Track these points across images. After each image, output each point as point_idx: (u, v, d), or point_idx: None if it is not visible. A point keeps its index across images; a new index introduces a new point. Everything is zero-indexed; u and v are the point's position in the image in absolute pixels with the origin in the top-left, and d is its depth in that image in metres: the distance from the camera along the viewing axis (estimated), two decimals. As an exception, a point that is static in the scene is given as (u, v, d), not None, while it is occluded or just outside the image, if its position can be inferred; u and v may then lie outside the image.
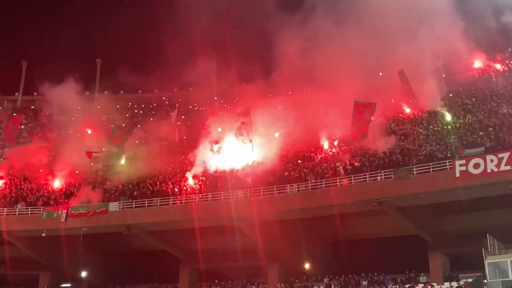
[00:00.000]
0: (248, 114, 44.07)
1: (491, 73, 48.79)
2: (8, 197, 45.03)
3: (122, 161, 48.10)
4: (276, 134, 47.39)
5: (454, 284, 34.50)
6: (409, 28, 44.71)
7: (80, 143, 49.92)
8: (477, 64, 51.31)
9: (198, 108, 61.22)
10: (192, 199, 39.92)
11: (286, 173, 39.33)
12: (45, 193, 45.40)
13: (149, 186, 42.31)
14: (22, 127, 60.33)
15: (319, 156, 41.77)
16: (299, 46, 47.67)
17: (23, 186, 47.24)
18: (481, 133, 36.18)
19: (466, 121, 38.93)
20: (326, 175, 37.38)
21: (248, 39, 51.19)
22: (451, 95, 44.44)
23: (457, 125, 38.84)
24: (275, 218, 38.61)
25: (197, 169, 44.63)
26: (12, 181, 48.08)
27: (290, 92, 49.36)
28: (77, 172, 47.66)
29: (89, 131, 52.25)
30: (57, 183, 47.36)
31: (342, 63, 44.52)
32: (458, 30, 44.46)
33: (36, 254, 43.82)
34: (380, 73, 45.06)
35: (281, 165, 41.15)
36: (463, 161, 31.67)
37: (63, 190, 45.81)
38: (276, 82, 50.40)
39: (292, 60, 48.39)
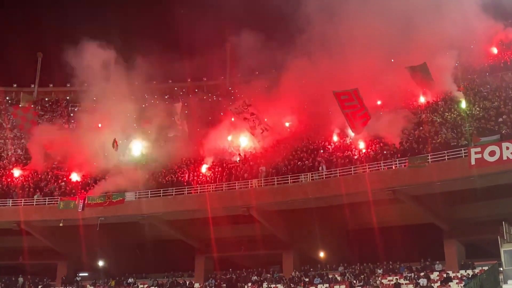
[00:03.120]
0: (248, 106, 44.26)
1: (507, 59, 48.17)
2: (27, 188, 45.54)
3: (137, 153, 48.39)
4: (287, 124, 47.39)
5: (470, 272, 34.44)
6: (426, 13, 44.16)
7: (97, 134, 50.26)
8: (494, 50, 50.68)
9: (212, 98, 61.31)
10: (207, 188, 40.11)
11: (299, 163, 39.36)
12: (63, 183, 45.83)
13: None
14: (36, 118, 60.77)
15: (333, 145, 41.68)
16: (313, 32, 47.26)
17: (41, 177, 47.71)
18: (500, 119, 35.85)
19: (481, 108, 38.60)
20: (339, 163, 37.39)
21: (262, 27, 51.04)
22: (466, 82, 43.94)
23: (473, 113, 38.52)
24: (290, 207, 38.81)
25: (211, 159, 44.84)
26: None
27: (303, 81, 49.07)
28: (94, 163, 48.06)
29: (100, 125, 52.65)
30: (75, 174, 47.76)
31: (357, 51, 44.18)
32: (476, 15, 43.85)
33: (54, 244, 44.39)
34: (392, 60, 44.57)
35: (295, 154, 41.16)
36: (479, 149, 31.42)
37: (81, 181, 46.20)
38: (289, 72, 50.31)
39: (303, 50, 48.24)
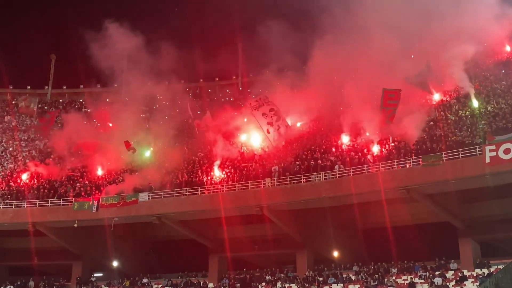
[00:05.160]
0: (266, 101, 43.90)
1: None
2: (42, 189, 45.84)
3: (148, 153, 48.57)
4: (298, 124, 47.21)
5: (485, 270, 34.18)
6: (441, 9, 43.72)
7: (111, 135, 50.66)
8: (507, 48, 50.10)
9: (224, 99, 61.37)
10: (220, 188, 40.16)
11: (312, 162, 39.27)
12: (77, 185, 46.12)
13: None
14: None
15: (346, 145, 41.44)
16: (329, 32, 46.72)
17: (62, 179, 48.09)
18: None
19: (496, 105, 38.29)
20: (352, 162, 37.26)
21: (275, 26, 50.79)
22: (480, 79, 43.53)
23: (487, 110, 38.21)
24: (303, 206, 38.75)
25: (225, 159, 44.90)
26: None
27: (316, 80, 48.94)
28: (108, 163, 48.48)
29: (110, 124, 53.19)
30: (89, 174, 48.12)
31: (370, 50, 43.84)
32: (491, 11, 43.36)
33: (69, 245, 44.70)
34: (412, 56, 44.16)
35: (308, 153, 41.08)
36: (493, 147, 31.21)
37: (96, 181, 46.49)
38: (302, 72, 50.29)
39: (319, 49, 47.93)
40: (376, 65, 42.10)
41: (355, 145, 40.53)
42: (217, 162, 44.34)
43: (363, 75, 42.08)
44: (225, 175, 42.67)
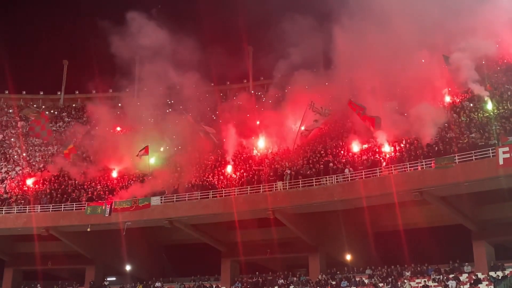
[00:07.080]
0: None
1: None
2: (55, 194, 46.08)
3: (153, 160, 48.75)
4: (302, 128, 47.23)
5: (500, 273, 33.93)
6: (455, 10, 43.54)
7: (123, 140, 50.91)
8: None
9: (236, 103, 61.43)
10: (231, 192, 40.19)
11: (322, 166, 39.15)
12: (90, 189, 46.32)
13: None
14: (60, 124, 61.86)
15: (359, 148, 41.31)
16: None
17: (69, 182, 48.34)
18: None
19: (509, 106, 38.00)
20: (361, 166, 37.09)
21: (284, 29, 50.84)
22: (492, 80, 43.23)
23: (500, 112, 37.94)
24: (315, 209, 38.65)
25: (236, 162, 44.95)
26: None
27: (327, 83, 48.94)
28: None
29: (119, 129, 53.39)
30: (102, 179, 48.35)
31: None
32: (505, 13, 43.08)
33: (82, 249, 44.89)
34: (423, 60, 43.88)
35: (320, 157, 40.99)
36: (507, 148, 30.98)
37: (109, 186, 46.71)
38: (312, 73, 50.28)
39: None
40: (389, 60, 41.89)
41: (365, 146, 40.41)
42: (230, 164, 44.44)
43: (376, 75, 41.86)
44: (236, 177, 42.70)
